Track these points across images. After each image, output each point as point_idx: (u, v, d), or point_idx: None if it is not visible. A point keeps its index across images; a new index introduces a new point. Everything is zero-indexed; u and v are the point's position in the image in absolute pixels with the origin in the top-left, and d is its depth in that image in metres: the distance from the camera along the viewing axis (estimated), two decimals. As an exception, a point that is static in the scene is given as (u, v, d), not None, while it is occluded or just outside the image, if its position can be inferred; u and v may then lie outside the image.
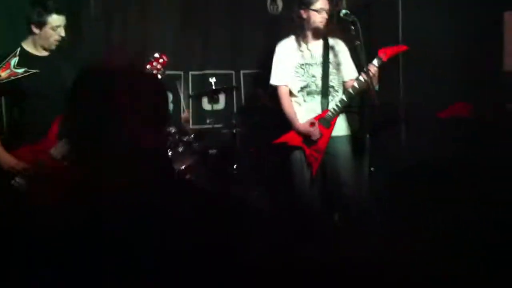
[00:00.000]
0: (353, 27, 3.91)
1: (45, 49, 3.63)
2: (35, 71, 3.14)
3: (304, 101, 4.14)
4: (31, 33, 3.58)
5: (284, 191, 4.49)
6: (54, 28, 3.53)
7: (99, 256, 1.33)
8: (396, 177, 4.53)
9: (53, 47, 3.63)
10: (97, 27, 4.92)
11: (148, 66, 3.71)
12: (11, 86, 3.30)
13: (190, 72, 5.50)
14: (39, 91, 3.55)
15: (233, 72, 5.69)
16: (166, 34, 5.35)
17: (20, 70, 3.10)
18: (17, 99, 3.64)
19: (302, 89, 4.13)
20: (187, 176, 4.49)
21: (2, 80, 3.08)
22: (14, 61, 3.09)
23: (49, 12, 3.50)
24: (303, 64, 4.15)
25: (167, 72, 5.08)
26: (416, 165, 4.49)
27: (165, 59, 3.76)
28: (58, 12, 3.54)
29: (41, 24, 3.52)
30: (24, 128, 3.64)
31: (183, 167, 4.55)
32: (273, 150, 4.45)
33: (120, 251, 1.36)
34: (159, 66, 3.72)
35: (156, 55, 3.72)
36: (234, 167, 4.90)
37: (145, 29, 5.25)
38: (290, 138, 4.15)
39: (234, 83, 5.68)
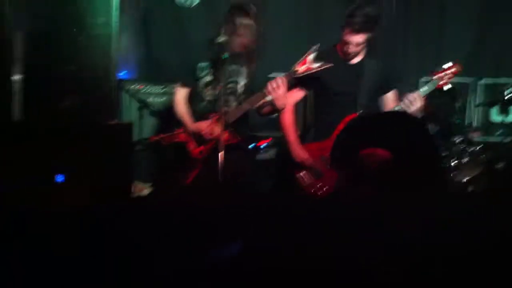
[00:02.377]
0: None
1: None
2: (329, 65, 3.34)
3: None
4: None
5: None
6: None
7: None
8: None
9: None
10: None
11: (435, 76, 3.53)
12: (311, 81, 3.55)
13: (480, 81, 5.25)
14: (341, 91, 3.63)
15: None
16: (462, 41, 5.26)
17: (316, 65, 3.33)
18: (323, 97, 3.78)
19: None
20: (471, 189, 4.33)
21: (299, 74, 3.37)
22: (312, 56, 3.34)
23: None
24: None
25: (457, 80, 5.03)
26: None
27: (458, 69, 3.53)
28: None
29: None
30: (318, 123, 3.78)
31: (466, 179, 4.40)
32: None
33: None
34: (449, 76, 3.59)
35: (448, 64, 3.54)
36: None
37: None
38: None
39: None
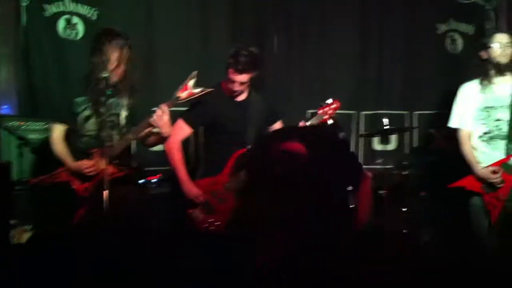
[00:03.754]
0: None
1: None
2: (210, 90, 3.34)
3: (486, 146, 3.93)
4: None
5: (457, 237, 4.30)
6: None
7: None
8: None
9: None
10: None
11: (320, 111, 3.72)
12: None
13: (362, 112, 5.51)
14: (229, 129, 3.67)
15: (406, 112, 5.60)
16: (340, 75, 5.44)
17: (197, 90, 3.37)
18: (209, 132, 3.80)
19: (484, 134, 3.93)
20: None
21: (182, 100, 3.38)
22: (191, 82, 3.37)
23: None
24: (486, 107, 3.93)
25: (341, 111, 5.24)
26: None
27: (338, 105, 3.75)
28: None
29: None
30: (208, 159, 3.78)
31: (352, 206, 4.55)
32: (447, 194, 4.28)
33: None
34: (330, 112, 3.80)
35: (329, 101, 3.73)
36: (404, 209, 4.81)
37: (322, 70, 5.40)
38: (468, 182, 3.89)
39: (407, 124, 5.58)
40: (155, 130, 3.37)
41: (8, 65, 4.58)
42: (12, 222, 3.78)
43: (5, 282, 3.13)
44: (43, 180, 3.35)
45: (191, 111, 3.65)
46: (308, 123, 3.72)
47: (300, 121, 3.79)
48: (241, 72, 3.51)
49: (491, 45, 3.84)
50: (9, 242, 3.55)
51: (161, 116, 3.24)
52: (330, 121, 3.75)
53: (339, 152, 1.43)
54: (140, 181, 4.35)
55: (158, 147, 3.81)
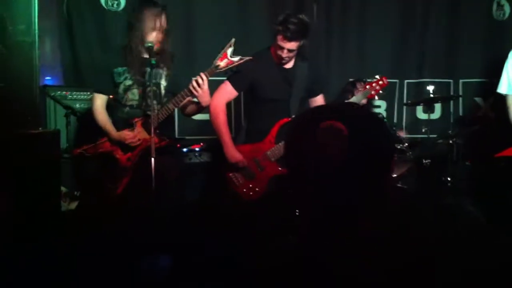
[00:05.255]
0: None
1: None
2: (249, 58, 3.29)
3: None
4: None
5: (499, 206, 4.22)
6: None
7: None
8: None
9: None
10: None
11: (367, 87, 3.64)
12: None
13: (406, 80, 5.42)
14: (273, 95, 3.64)
15: (451, 80, 5.49)
16: (384, 43, 5.34)
17: (236, 58, 3.33)
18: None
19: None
20: (399, 184, 4.45)
21: (221, 69, 3.37)
22: (230, 50, 3.34)
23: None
24: None
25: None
26: None
27: (385, 82, 3.67)
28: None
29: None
30: (250, 126, 3.79)
31: (395, 175, 4.52)
32: (494, 163, 4.19)
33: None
34: (378, 88, 3.71)
35: (377, 77, 3.66)
36: (449, 178, 4.73)
37: (363, 39, 5.32)
38: None
39: (452, 92, 5.50)
40: (194, 99, 3.38)
41: (53, 37, 4.65)
42: (63, 189, 3.88)
43: (56, 250, 3.21)
44: (86, 150, 3.41)
45: (238, 74, 3.57)
46: (353, 99, 3.68)
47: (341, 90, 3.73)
48: (290, 39, 3.42)
49: None
50: (60, 208, 3.64)
51: (200, 85, 3.25)
52: (376, 98, 3.69)
53: (376, 132, 1.40)
54: (184, 150, 4.41)
55: (201, 116, 3.82)
